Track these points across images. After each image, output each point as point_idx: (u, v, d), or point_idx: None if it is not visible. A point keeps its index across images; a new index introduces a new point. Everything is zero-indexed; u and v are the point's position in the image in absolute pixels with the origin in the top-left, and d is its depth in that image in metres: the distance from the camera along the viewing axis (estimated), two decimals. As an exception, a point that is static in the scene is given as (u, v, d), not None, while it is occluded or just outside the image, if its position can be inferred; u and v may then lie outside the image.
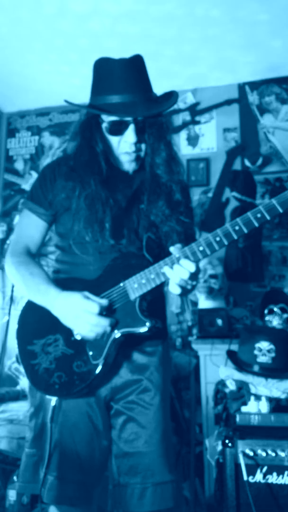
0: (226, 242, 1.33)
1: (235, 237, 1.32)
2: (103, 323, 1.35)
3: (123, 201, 1.48)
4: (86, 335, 1.38)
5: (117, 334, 1.38)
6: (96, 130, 1.48)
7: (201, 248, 1.34)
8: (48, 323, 1.44)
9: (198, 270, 1.34)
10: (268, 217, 1.30)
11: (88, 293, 1.39)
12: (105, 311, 1.38)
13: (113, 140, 1.47)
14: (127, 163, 1.49)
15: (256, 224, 1.31)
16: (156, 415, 1.43)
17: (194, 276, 1.33)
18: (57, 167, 1.56)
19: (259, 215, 1.31)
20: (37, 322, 1.48)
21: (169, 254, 1.37)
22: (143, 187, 1.50)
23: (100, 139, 1.47)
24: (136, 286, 1.38)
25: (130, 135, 1.44)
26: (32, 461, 1.42)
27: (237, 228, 1.32)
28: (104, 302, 1.38)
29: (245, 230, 1.32)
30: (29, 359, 1.44)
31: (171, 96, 1.50)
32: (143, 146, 1.49)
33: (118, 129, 1.45)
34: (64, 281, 1.48)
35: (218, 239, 1.33)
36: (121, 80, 1.43)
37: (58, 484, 1.34)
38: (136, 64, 1.46)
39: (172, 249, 1.35)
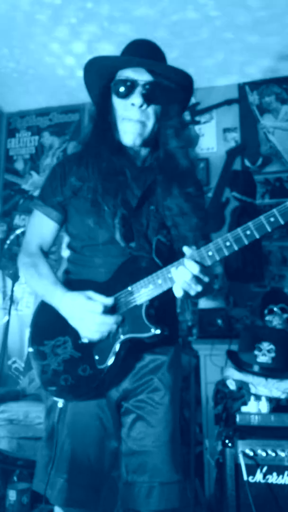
0: (236, 248, 1.25)
1: (246, 242, 1.24)
2: (108, 322, 1.34)
3: (133, 202, 1.45)
4: (92, 336, 1.36)
5: (122, 339, 1.36)
6: (108, 97, 1.48)
7: (210, 253, 1.27)
8: (58, 324, 1.43)
9: (206, 276, 1.28)
10: (282, 222, 1.21)
11: (91, 293, 1.37)
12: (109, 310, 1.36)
13: (119, 105, 1.45)
14: (129, 134, 1.44)
15: (269, 229, 1.22)
16: (166, 415, 1.42)
17: (198, 280, 1.27)
18: (67, 165, 1.53)
19: (272, 219, 1.22)
20: (48, 323, 1.47)
21: (179, 257, 1.32)
22: (155, 180, 1.47)
23: (110, 108, 1.47)
24: (143, 291, 1.35)
25: (136, 97, 1.41)
26: (44, 461, 1.43)
27: (248, 232, 1.24)
28: (108, 301, 1.36)
29: (257, 235, 1.24)
30: (39, 360, 1.44)
31: (186, 74, 1.55)
32: (151, 117, 1.45)
33: (125, 89, 1.42)
34: (75, 283, 1.47)
35: (228, 244, 1.25)
36: (142, 48, 1.50)
37: (68, 487, 1.34)
38: (158, 48, 1.55)
39: (185, 248, 1.30)
